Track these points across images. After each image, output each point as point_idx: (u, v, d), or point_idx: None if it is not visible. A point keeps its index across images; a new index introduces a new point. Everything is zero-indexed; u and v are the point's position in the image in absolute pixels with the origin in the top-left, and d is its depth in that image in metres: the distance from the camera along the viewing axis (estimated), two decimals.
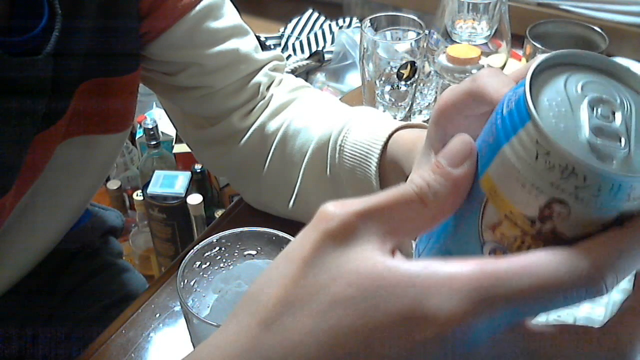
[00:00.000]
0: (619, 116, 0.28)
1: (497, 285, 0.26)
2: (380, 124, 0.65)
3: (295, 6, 2.38)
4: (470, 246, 0.31)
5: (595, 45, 0.91)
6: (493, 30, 0.91)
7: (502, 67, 0.94)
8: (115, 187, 1.69)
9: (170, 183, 1.46)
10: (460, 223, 0.31)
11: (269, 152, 0.73)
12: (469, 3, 0.89)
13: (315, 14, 2.29)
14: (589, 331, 0.27)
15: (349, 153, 0.65)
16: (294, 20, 2.28)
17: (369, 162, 0.63)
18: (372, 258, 0.28)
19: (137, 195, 1.58)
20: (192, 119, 0.78)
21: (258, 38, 0.78)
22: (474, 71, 0.90)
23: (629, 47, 1.67)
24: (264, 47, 0.78)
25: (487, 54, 0.93)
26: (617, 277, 0.27)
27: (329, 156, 0.68)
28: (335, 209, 0.30)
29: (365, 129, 0.65)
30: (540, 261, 0.27)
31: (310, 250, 0.29)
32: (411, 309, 0.27)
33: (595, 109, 0.28)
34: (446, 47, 0.91)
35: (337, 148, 0.67)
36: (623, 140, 0.27)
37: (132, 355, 0.63)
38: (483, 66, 0.90)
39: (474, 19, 0.91)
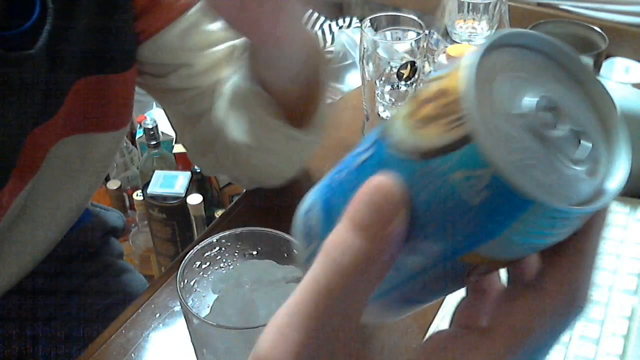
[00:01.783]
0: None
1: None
2: None
3: None
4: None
5: (596, 45, 0.91)
6: (493, 30, 0.91)
7: None
8: (115, 187, 1.68)
9: (170, 183, 1.46)
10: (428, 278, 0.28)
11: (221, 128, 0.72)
12: (469, 3, 0.89)
13: (315, 14, 2.29)
14: (542, 291, 0.26)
15: None
16: None
17: None
18: None
19: (137, 195, 1.58)
20: (191, 120, 0.78)
21: None
22: None
23: (629, 47, 1.66)
24: None
25: None
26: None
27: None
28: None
29: None
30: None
31: None
32: None
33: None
34: (446, 47, 0.91)
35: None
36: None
37: (132, 355, 0.63)
38: None
39: (474, 19, 0.91)
